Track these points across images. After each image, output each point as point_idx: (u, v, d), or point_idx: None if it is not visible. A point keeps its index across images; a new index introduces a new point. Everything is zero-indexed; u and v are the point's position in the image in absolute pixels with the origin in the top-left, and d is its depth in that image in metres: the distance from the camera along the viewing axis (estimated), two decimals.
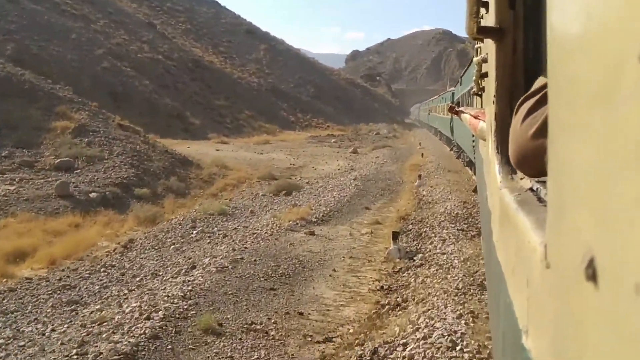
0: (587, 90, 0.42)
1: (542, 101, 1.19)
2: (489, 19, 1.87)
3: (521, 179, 1.40)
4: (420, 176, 20.45)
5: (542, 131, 1.10)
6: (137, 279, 9.88)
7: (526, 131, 1.21)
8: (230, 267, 9.87)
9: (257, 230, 12.63)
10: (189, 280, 9.10)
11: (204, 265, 9.96)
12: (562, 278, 0.54)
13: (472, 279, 8.61)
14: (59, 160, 18.85)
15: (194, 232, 13.00)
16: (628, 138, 0.33)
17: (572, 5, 0.45)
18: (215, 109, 51.01)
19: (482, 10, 2.03)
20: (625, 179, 0.34)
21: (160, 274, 10.02)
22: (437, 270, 9.40)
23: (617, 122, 0.36)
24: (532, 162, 1.20)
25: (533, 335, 0.86)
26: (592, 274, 0.41)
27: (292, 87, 71.10)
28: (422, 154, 31.88)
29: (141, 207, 15.48)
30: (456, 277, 8.75)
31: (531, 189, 1.24)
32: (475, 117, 3.58)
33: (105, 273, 10.43)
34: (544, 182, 1.17)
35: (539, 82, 1.34)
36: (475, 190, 13.80)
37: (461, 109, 6.53)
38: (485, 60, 2.35)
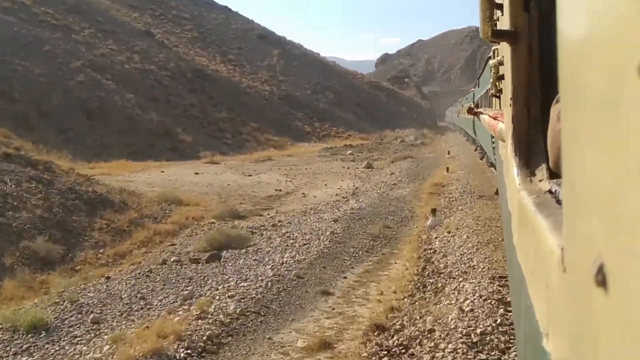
0: (594, 98, 0.43)
1: None
2: (504, 22, 1.80)
3: (539, 181, 1.38)
4: (434, 211, 13.60)
5: None
6: None
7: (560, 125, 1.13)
8: None
9: None
10: None
11: None
12: (578, 282, 0.54)
13: None
14: None
15: None
16: (632, 147, 0.34)
17: (579, 16, 0.46)
18: (214, 123, 44.77)
19: (498, 13, 1.95)
20: (632, 188, 0.35)
21: None
22: None
23: (622, 130, 0.36)
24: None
25: (553, 339, 0.85)
26: (602, 280, 0.41)
27: (309, 94, 64.59)
28: (448, 168, 24.89)
29: None
30: None
31: (550, 191, 1.22)
32: (494, 119, 3.68)
33: None
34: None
35: None
36: None
37: (480, 110, 6.03)
38: (501, 63, 2.41)
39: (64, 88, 38.25)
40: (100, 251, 12.79)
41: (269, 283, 9.02)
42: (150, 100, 42.38)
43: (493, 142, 8.17)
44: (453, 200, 15.88)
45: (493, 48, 3.43)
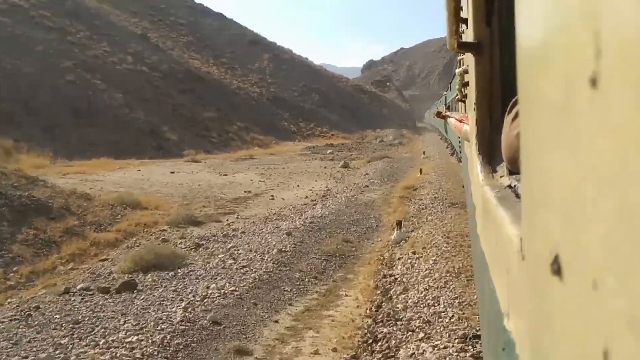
0: (550, 104, 0.43)
1: None
2: (468, 35, 1.78)
3: (501, 177, 1.37)
4: (400, 224, 10.72)
5: None
6: None
7: (513, 131, 1.21)
8: None
9: None
10: None
11: None
12: (535, 270, 0.54)
13: None
14: None
15: None
16: (584, 148, 0.34)
17: (536, 30, 0.46)
18: (202, 122, 41.73)
19: (463, 26, 1.90)
20: (584, 185, 0.35)
21: None
22: None
23: (575, 133, 0.36)
24: (517, 158, 1.13)
25: (513, 319, 0.85)
26: (557, 269, 0.41)
27: (296, 95, 61.56)
28: (421, 170, 22.03)
29: None
30: None
31: (509, 186, 1.21)
32: (460, 121, 3.77)
33: None
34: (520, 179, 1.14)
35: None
36: None
37: (447, 113, 5.81)
38: (466, 72, 2.45)
39: (52, 87, 35.17)
40: (14, 269, 9.87)
41: (168, 337, 6.11)
42: (140, 99, 39.31)
43: (460, 142, 7.89)
44: (423, 208, 13.06)
45: (459, 58, 3.20)
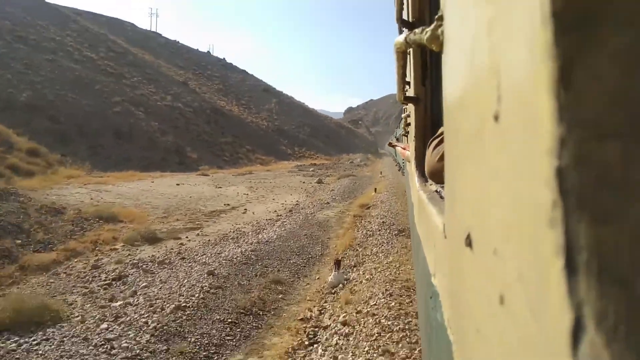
0: (465, 133, 0.43)
1: (442, 141, 1.22)
2: (411, 91, 1.76)
3: (430, 185, 1.34)
4: (338, 263, 6.30)
5: (441, 158, 1.16)
6: None
7: (434, 158, 1.22)
8: None
9: None
10: None
11: None
12: (453, 244, 0.55)
13: None
14: None
15: None
16: (487, 164, 0.35)
17: (457, 84, 0.46)
18: (218, 145, 37.22)
19: (407, 86, 1.87)
20: (485, 190, 0.35)
21: None
22: None
23: (482, 152, 0.37)
24: (437, 175, 1.22)
25: (437, 277, 0.85)
26: (469, 243, 0.42)
27: (293, 128, 57.00)
28: (375, 189, 17.57)
29: None
30: None
31: (436, 191, 1.19)
32: (404, 149, 3.71)
33: None
34: (442, 187, 1.13)
35: (440, 130, 1.34)
36: None
37: (395, 143, 5.70)
38: (408, 116, 2.56)
39: (103, 116, 30.63)
40: None
41: None
42: (172, 126, 34.77)
43: (403, 162, 7.42)
44: (370, 235, 8.60)
45: (404, 107, 3.36)
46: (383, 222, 9.67)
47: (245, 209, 14.16)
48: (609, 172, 0.20)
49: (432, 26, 0.61)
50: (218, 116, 44.33)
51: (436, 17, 0.59)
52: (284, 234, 9.32)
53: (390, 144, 7.06)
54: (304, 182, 24.07)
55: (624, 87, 0.20)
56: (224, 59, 73.79)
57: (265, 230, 10.20)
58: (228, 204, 15.09)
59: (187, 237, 10.03)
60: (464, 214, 0.45)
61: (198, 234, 10.31)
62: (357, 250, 7.64)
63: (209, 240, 9.53)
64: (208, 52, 74.63)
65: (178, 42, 72.82)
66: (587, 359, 0.20)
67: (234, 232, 10.47)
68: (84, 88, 32.60)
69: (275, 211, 13.90)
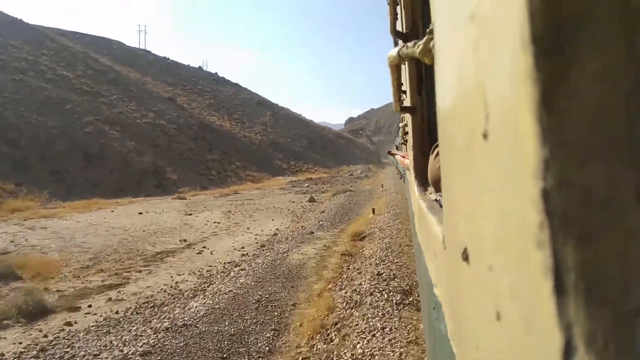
0: (457, 147, 0.44)
1: None
2: (407, 101, 1.74)
3: (430, 194, 1.35)
4: None
5: None
6: None
7: (436, 165, 1.24)
8: None
9: None
10: None
11: None
12: (451, 256, 0.55)
13: None
14: None
15: None
16: (478, 176, 0.35)
17: (448, 99, 0.47)
18: (204, 163, 34.14)
19: (403, 95, 1.81)
20: (479, 201, 0.35)
21: None
22: None
23: (473, 168, 0.37)
24: (440, 182, 1.18)
25: (438, 287, 0.85)
26: (465, 257, 0.42)
27: (289, 141, 53.97)
28: (373, 210, 14.25)
29: None
30: None
31: (435, 200, 1.19)
32: (403, 157, 3.82)
33: None
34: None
35: None
36: None
37: (395, 152, 6.06)
38: (406, 125, 2.37)
39: (71, 137, 27.72)
40: None
41: None
42: (151, 145, 31.77)
43: (403, 170, 7.28)
44: (355, 306, 5.29)
45: (401, 116, 3.21)
46: (379, 273, 6.35)
47: (204, 247, 10.92)
48: (593, 193, 0.20)
49: (424, 39, 0.61)
50: (206, 132, 41.41)
51: (428, 30, 0.59)
52: (224, 303, 6.02)
53: (389, 153, 7.42)
54: (293, 202, 20.85)
55: (605, 108, 0.20)
56: (216, 73, 71.39)
57: (206, 291, 6.95)
58: (184, 240, 11.86)
59: (91, 304, 6.80)
60: (460, 226, 0.45)
61: (111, 298, 7.08)
62: (329, 341, 4.37)
63: (117, 312, 6.29)
64: (200, 67, 72.33)
65: (168, 58, 70.60)
66: None
67: (164, 292, 7.23)
68: (53, 108, 29.79)
69: (243, 248, 10.66)
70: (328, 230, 12.04)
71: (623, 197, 0.20)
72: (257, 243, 11.22)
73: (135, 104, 38.65)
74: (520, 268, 0.25)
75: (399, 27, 1.82)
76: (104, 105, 34.34)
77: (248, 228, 13.70)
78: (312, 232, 11.69)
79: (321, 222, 13.32)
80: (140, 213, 17.40)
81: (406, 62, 1.63)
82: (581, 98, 0.21)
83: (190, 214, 17.14)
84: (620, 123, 0.20)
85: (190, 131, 39.36)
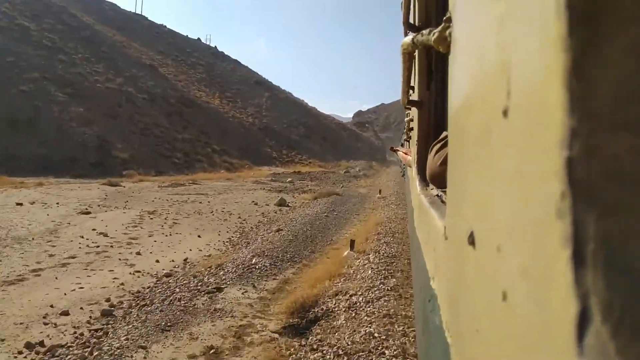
0: (469, 135, 0.44)
1: (444, 145, 1.24)
2: (414, 96, 1.77)
3: (431, 189, 1.34)
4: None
5: (443, 162, 1.15)
6: None
7: (436, 162, 1.22)
8: None
9: None
10: None
11: None
12: (453, 246, 0.56)
13: None
14: None
15: None
16: (494, 162, 0.35)
17: (463, 85, 0.47)
18: (171, 143, 28.54)
19: (411, 91, 1.90)
20: (489, 189, 0.36)
21: None
22: None
23: (488, 152, 0.36)
24: (438, 179, 1.22)
25: (436, 280, 0.86)
26: (472, 241, 0.42)
27: (285, 127, 48.19)
28: (353, 243, 8.46)
29: None
30: None
31: (437, 195, 1.20)
32: (405, 154, 3.58)
33: None
34: (444, 191, 1.16)
35: (442, 135, 1.34)
36: None
37: (397, 148, 5.74)
38: (411, 120, 2.41)
39: (2, 97, 22.15)
40: None
41: None
42: (105, 116, 26.15)
43: (404, 166, 7.90)
44: None
45: (407, 112, 3.21)
46: None
47: (44, 288, 5.33)
48: (618, 164, 0.20)
49: (440, 27, 0.61)
50: (185, 107, 35.75)
51: (444, 18, 0.59)
52: None
53: (392, 149, 6.14)
54: (256, 204, 15.25)
55: (635, 79, 0.20)
56: (215, 47, 65.54)
57: None
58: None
59: None
60: (467, 213, 0.45)
61: None
62: None
63: None
64: (198, 39, 66.44)
65: (165, 26, 64.80)
66: (593, 350, 0.19)
67: None
68: None
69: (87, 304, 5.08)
70: (264, 281, 6.40)
71: None
72: (123, 297, 5.63)
73: (104, 66, 33.01)
74: (535, 242, 0.25)
75: (411, 20, 1.91)
76: (60, 63, 28.73)
77: (138, 253, 8.11)
78: (220, 289, 6.03)
79: (259, 258, 7.65)
80: (19, 204, 11.87)
81: (416, 57, 1.72)
82: (612, 67, 0.20)
83: (89, 212, 11.57)
84: None
85: (165, 104, 33.73)
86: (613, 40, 0.20)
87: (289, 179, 25.13)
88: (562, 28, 0.22)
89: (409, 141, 3.77)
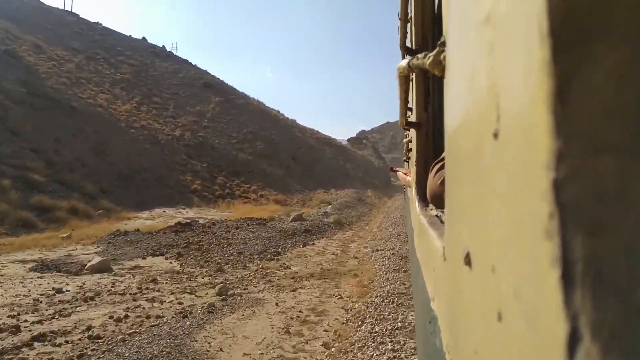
0: (465, 154, 0.45)
1: (444, 165, 1.30)
2: (413, 117, 1.80)
3: (430, 210, 1.34)
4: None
5: (443, 182, 1.20)
6: None
7: (436, 182, 1.25)
8: None
9: None
10: None
11: None
12: (451, 266, 0.56)
13: None
14: None
15: None
16: (486, 181, 0.36)
17: (458, 105, 0.48)
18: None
19: (409, 112, 1.95)
20: (484, 209, 0.36)
21: None
22: None
23: (481, 171, 0.37)
24: (438, 199, 1.24)
25: (436, 301, 0.87)
26: (468, 261, 0.43)
27: (233, 143, 33.11)
28: None
29: None
30: None
31: (436, 216, 1.21)
32: (405, 174, 3.77)
33: None
34: (443, 211, 1.17)
35: (442, 155, 1.39)
36: None
37: (397, 169, 5.84)
38: (410, 141, 2.47)
39: None
40: None
41: None
42: None
43: (404, 187, 7.87)
44: None
45: (406, 132, 3.33)
46: None
47: None
48: (605, 184, 0.21)
49: (435, 51, 0.63)
50: (45, 100, 20.87)
51: (439, 42, 0.61)
52: None
53: (391, 169, 6.72)
54: None
55: (619, 102, 0.21)
56: (163, 46, 51.67)
57: None
58: None
59: None
60: (463, 233, 0.46)
61: None
62: None
63: None
64: (143, 38, 52.78)
65: (100, 24, 51.33)
66: None
67: None
68: None
69: None
70: None
71: (634, 190, 0.20)
72: None
73: None
74: (526, 263, 0.26)
75: (408, 44, 1.97)
76: None
77: None
78: None
79: None
80: None
81: (414, 79, 1.75)
82: (596, 91, 0.21)
83: None
84: (633, 117, 0.20)
85: (28, 104, 18.89)
86: (597, 64, 0.21)
87: (169, 252, 9.79)
88: (546, 54, 0.22)
89: (408, 161, 4.01)
